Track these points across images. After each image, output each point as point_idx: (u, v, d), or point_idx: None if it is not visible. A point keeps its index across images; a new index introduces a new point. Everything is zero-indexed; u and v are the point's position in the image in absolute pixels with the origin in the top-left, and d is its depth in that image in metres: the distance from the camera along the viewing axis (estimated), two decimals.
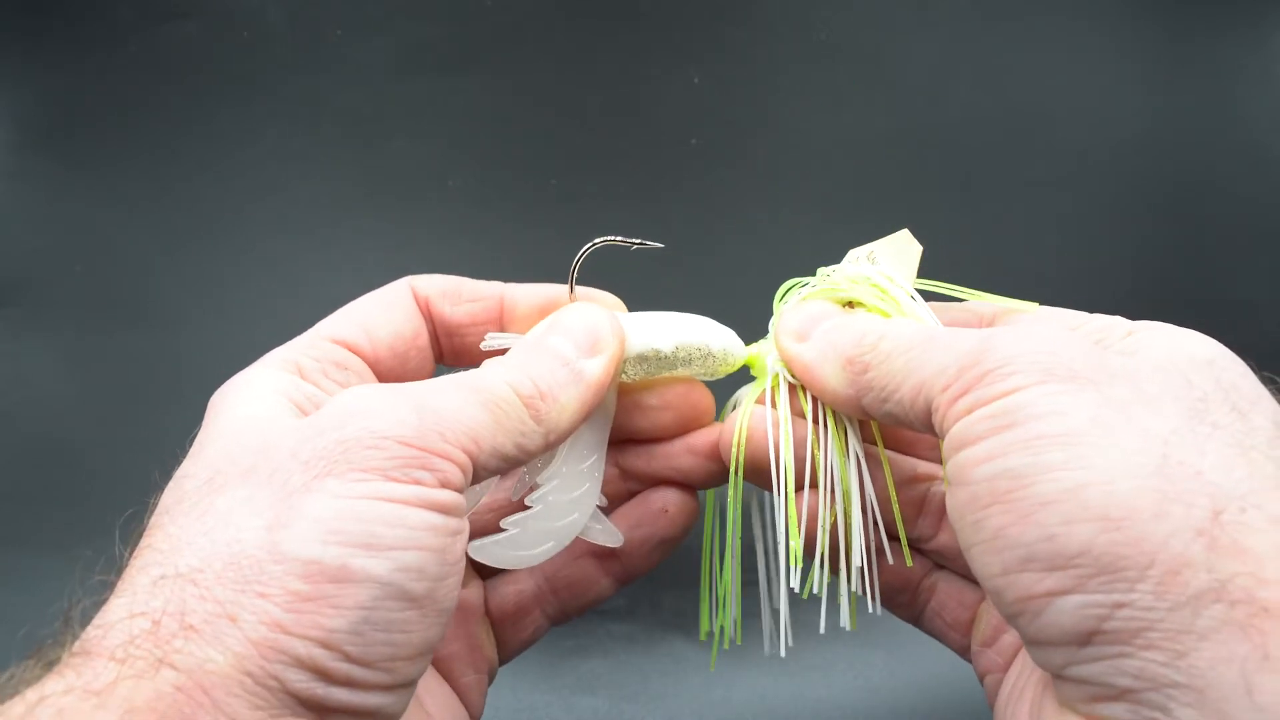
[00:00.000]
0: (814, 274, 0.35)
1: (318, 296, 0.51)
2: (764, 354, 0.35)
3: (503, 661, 0.37)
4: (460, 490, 0.28)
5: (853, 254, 0.35)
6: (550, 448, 0.31)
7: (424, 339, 0.35)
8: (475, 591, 0.36)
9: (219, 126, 0.52)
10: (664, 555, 0.38)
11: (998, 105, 0.48)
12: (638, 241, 0.36)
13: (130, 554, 0.26)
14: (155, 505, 0.28)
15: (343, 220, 0.52)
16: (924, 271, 0.34)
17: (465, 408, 0.28)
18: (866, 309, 0.33)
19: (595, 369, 0.32)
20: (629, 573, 0.37)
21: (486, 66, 0.52)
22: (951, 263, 0.34)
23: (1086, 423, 0.23)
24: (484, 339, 0.35)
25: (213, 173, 0.52)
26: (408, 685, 0.26)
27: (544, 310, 0.35)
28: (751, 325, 0.37)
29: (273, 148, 0.52)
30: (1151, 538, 0.21)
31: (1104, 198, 0.54)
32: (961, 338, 0.27)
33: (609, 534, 0.35)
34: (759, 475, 0.34)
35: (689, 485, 0.36)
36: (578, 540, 0.35)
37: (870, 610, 0.33)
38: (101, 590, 0.25)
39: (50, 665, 0.23)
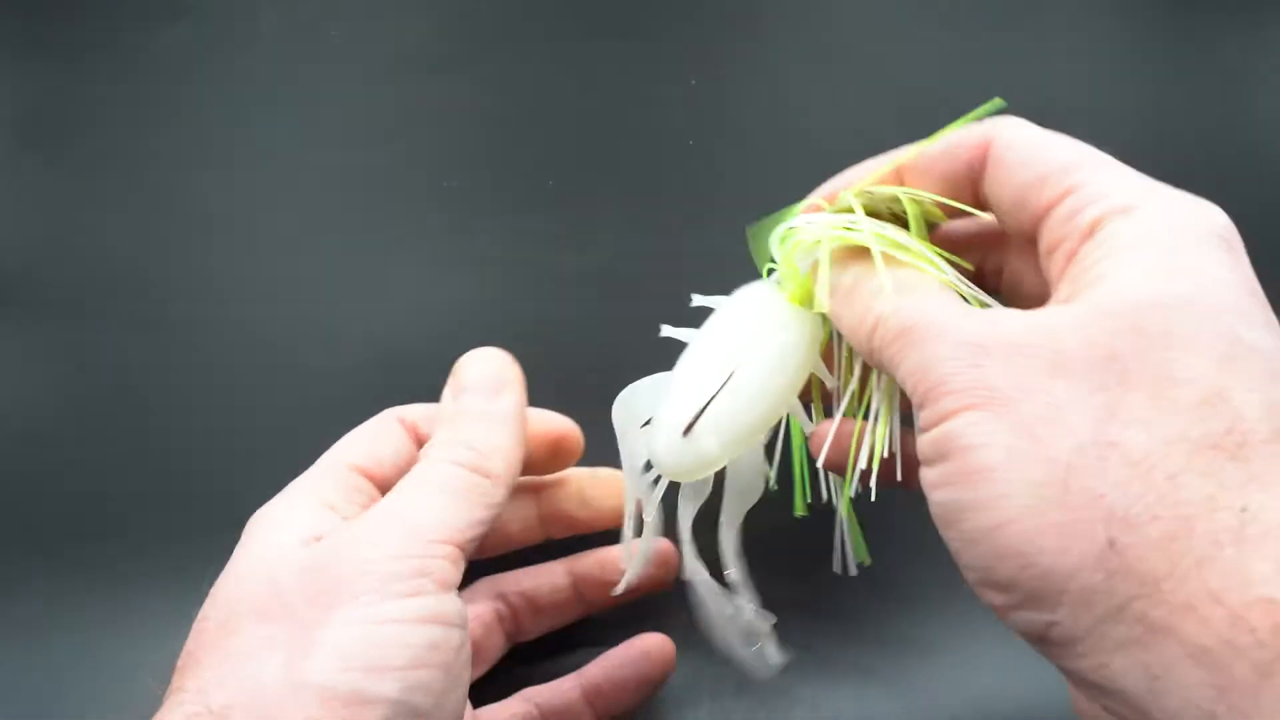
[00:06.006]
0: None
1: (314, 297, 0.51)
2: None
3: None
4: (455, 587, 0.30)
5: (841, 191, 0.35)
6: (510, 490, 0.34)
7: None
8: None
9: (212, 125, 0.52)
10: (647, 695, 0.42)
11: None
12: None
13: (164, 699, 0.29)
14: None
15: (339, 221, 0.52)
16: None
17: (430, 503, 0.32)
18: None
19: (507, 404, 0.36)
20: (611, 710, 0.41)
21: (483, 67, 0.52)
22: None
23: (1002, 457, 0.24)
24: None
25: (208, 173, 0.52)
26: None
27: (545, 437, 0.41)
28: None
29: (266, 147, 0.52)
30: (1058, 573, 0.23)
31: None
32: (926, 338, 0.27)
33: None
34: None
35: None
36: (569, 678, 0.41)
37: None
38: None
39: None
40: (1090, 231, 0.27)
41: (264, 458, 0.46)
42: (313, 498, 0.34)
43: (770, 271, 0.37)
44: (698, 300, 0.38)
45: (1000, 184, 0.31)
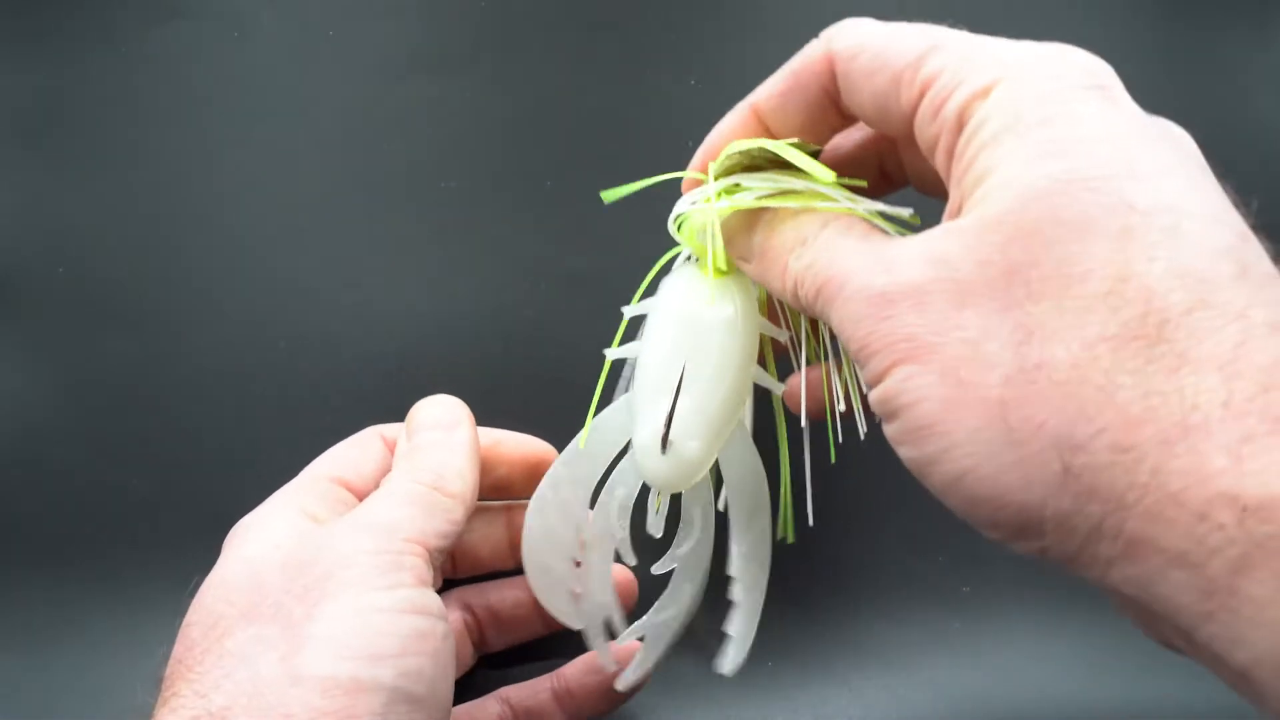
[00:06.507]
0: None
1: (314, 297, 0.51)
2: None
3: None
4: (430, 585, 0.32)
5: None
6: (470, 510, 0.36)
7: None
8: None
9: (209, 125, 0.52)
10: (617, 703, 0.43)
11: None
12: None
13: (156, 707, 0.30)
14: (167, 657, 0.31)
15: (338, 221, 0.52)
16: None
17: (400, 511, 0.33)
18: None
19: (461, 436, 0.37)
20: (583, 712, 0.42)
21: (482, 67, 0.52)
22: None
23: (938, 409, 0.24)
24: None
25: (207, 173, 0.52)
26: None
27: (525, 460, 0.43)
28: None
29: (264, 147, 0.52)
30: (1031, 506, 0.22)
31: None
32: (837, 297, 0.27)
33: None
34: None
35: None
36: (543, 679, 0.42)
37: None
38: None
39: None
40: (958, 125, 0.25)
41: (264, 458, 0.46)
42: (293, 507, 0.34)
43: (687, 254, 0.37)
44: (628, 312, 0.37)
45: (856, 97, 0.29)
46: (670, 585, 0.38)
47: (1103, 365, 0.22)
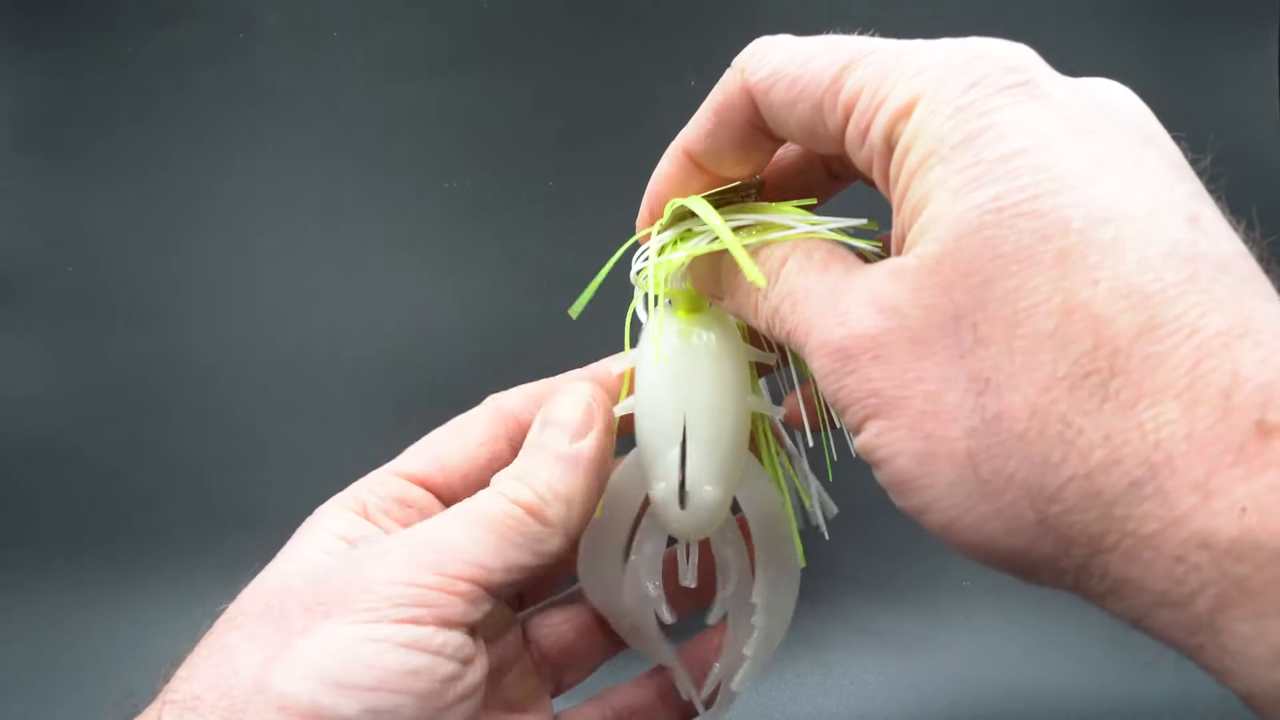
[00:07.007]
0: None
1: (315, 296, 0.51)
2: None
3: None
4: (466, 624, 0.29)
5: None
6: (573, 540, 0.32)
7: (500, 460, 0.35)
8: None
9: (215, 126, 0.52)
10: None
11: None
12: None
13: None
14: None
15: (339, 221, 0.52)
16: None
17: (465, 536, 0.30)
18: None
19: (587, 449, 0.33)
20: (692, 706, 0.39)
21: (483, 68, 0.52)
22: None
23: (912, 464, 0.23)
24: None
25: (207, 172, 0.52)
26: None
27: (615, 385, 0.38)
28: None
29: (268, 149, 0.52)
30: (1018, 552, 0.22)
31: None
32: (803, 346, 0.26)
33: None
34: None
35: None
36: (650, 673, 0.40)
37: None
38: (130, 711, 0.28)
39: None
40: (887, 148, 0.24)
41: (264, 456, 0.46)
42: (347, 508, 0.33)
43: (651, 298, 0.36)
44: (615, 367, 0.37)
45: (783, 128, 0.28)
46: (730, 629, 0.38)
47: (1059, 410, 0.21)
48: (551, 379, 0.38)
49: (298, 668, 0.27)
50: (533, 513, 0.31)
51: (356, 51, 0.52)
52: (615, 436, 0.35)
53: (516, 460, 0.33)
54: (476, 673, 0.30)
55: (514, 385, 0.51)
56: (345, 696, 0.27)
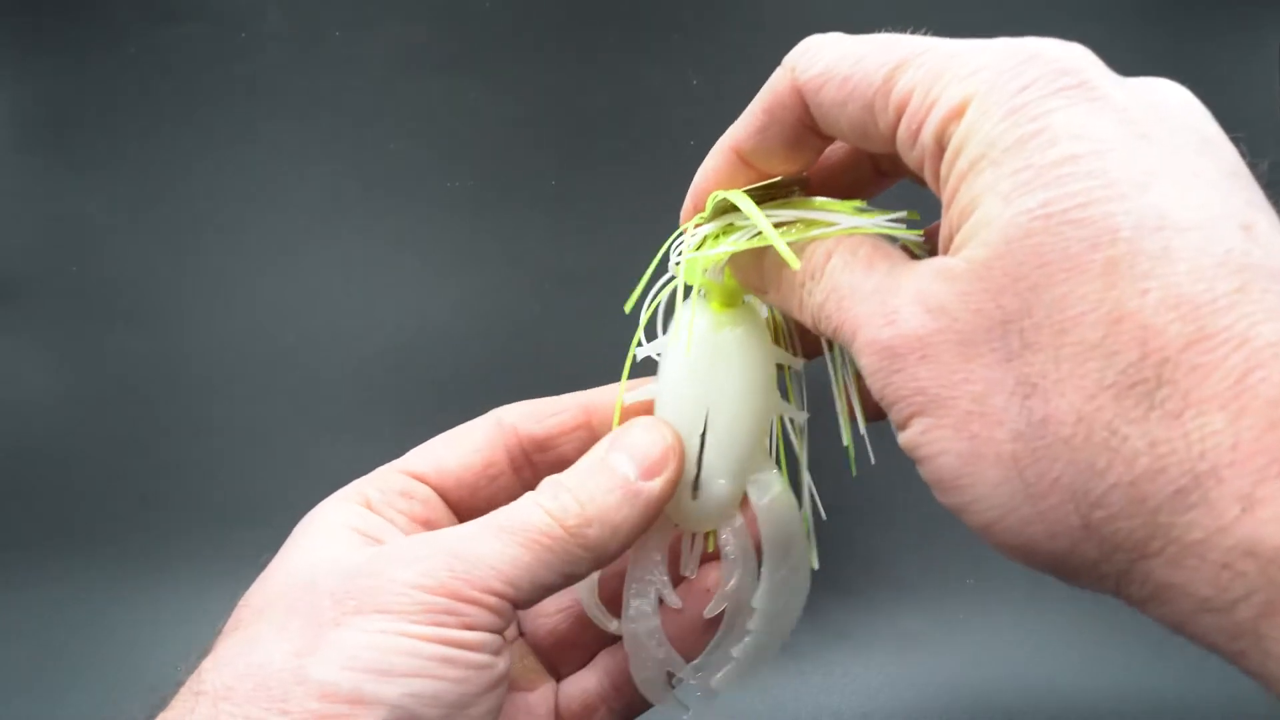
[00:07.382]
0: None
1: (316, 296, 0.51)
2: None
3: None
4: (492, 630, 0.29)
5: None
6: (599, 567, 0.32)
7: (497, 468, 0.36)
8: (547, 696, 0.38)
9: (217, 127, 0.52)
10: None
11: None
12: None
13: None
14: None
15: (341, 221, 0.52)
16: None
17: (500, 551, 0.29)
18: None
19: (654, 489, 0.32)
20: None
21: (485, 67, 0.52)
22: None
23: (956, 464, 0.23)
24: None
25: (210, 173, 0.52)
26: None
27: (626, 412, 0.36)
28: None
29: (271, 148, 0.52)
30: (1059, 554, 0.22)
31: None
32: (850, 343, 0.26)
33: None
34: None
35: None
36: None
37: None
38: (157, 708, 0.28)
39: None
40: (938, 149, 0.24)
41: (265, 456, 0.46)
42: (354, 501, 0.33)
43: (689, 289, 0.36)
44: (642, 352, 0.36)
45: (833, 127, 0.28)
46: (723, 626, 0.38)
47: (1105, 417, 0.21)
48: (555, 398, 0.38)
49: (334, 659, 0.27)
50: (575, 534, 0.30)
51: (358, 51, 0.53)
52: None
53: (570, 470, 0.32)
54: (505, 661, 0.30)
55: (514, 384, 0.51)
56: (386, 683, 0.27)
